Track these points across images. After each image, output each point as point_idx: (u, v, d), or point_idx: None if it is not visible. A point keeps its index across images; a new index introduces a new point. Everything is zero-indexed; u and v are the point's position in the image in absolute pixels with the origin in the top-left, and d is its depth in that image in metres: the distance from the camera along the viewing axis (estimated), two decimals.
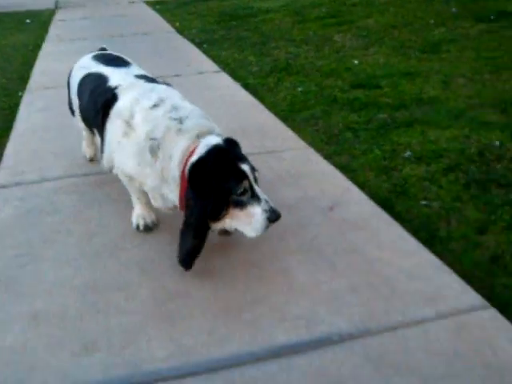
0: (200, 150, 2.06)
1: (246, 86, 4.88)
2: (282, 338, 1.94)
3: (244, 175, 2.02)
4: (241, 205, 2.02)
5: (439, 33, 6.06)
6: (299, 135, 3.67)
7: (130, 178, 2.36)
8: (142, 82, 2.51)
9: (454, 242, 2.62)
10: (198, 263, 2.19)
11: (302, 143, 3.51)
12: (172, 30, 7.40)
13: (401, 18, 6.96)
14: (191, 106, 2.30)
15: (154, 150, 2.15)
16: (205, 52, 6.23)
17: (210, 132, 2.14)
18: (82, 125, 2.99)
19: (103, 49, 3.16)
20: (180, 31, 7.29)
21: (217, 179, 2.01)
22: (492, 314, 1.99)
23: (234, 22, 7.68)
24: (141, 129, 2.20)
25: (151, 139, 2.15)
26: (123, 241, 2.48)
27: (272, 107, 4.24)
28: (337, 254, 2.36)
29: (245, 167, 2.04)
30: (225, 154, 2.06)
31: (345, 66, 5.27)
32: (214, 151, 2.05)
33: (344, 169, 3.27)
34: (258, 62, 5.83)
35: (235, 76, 5.23)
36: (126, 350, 1.87)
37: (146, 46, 6.39)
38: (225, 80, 5.02)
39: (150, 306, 2.07)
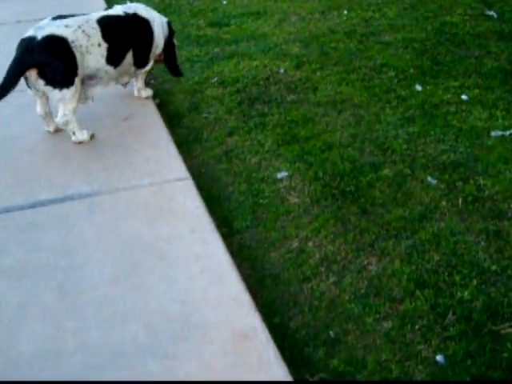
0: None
1: None
2: (44, 196, 2.98)
3: None
4: None
5: None
6: None
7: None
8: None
9: (208, 142, 3.64)
10: None
11: None
12: None
13: None
14: None
15: None
16: None
17: None
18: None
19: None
20: None
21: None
22: (187, 184, 3.03)
23: None
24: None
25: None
26: None
27: None
28: (111, 147, 3.38)
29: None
30: None
31: (213, 6, 6.15)
32: None
33: (160, 91, 4.26)
34: (147, 2, 6.66)
35: None
36: None
37: None
38: None
39: None
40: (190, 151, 3.53)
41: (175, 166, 3.21)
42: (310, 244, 2.68)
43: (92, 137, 3.46)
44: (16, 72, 3.14)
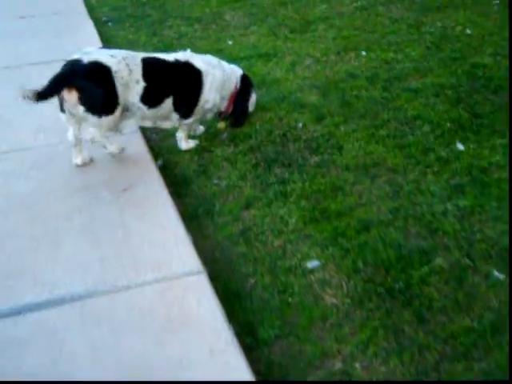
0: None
1: None
2: (28, 298, 2.45)
3: None
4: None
5: (319, 10, 6.45)
6: None
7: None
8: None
9: (221, 217, 3.11)
10: None
11: None
12: (83, 9, 7.56)
13: None
14: None
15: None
16: (104, 32, 6.58)
17: None
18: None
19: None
20: (92, 9, 7.53)
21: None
22: (201, 279, 2.50)
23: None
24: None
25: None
26: None
27: None
28: (108, 229, 2.85)
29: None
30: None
31: (218, 47, 5.67)
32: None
33: (162, 150, 3.76)
34: (147, 42, 6.21)
35: None
36: None
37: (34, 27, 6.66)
38: None
39: None
40: (201, 228, 3.01)
41: (185, 253, 2.69)
42: (357, 365, 2.15)
43: (122, 150, 3.47)
44: (55, 85, 3.09)
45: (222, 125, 3.95)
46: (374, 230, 2.81)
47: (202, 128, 4.00)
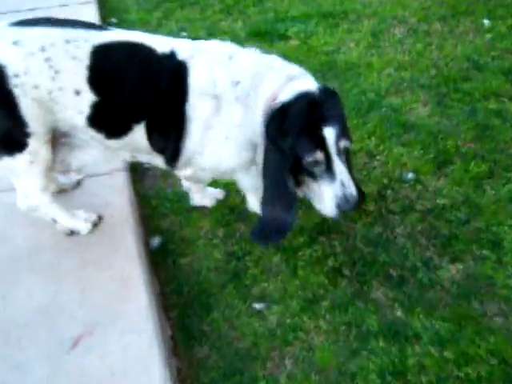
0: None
1: (120, 25, 3.52)
2: None
3: (320, 143, 1.60)
4: (312, 176, 1.68)
5: None
6: None
7: None
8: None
9: None
10: None
11: None
12: None
13: None
14: None
15: None
16: None
17: None
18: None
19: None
20: None
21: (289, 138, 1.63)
22: None
23: None
24: None
25: None
26: None
27: None
28: None
29: (328, 133, 1.60)
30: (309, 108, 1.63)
31: None
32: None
33: (161, 202, 2.07)
34: None
35: (112, 8, 3.83)
36: None
37: None
38: (91, 16, 3.66)
39: None
40: None
41: None
42: None
43: (97, 223, 2.03)
44: None
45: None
46: None
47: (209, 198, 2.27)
